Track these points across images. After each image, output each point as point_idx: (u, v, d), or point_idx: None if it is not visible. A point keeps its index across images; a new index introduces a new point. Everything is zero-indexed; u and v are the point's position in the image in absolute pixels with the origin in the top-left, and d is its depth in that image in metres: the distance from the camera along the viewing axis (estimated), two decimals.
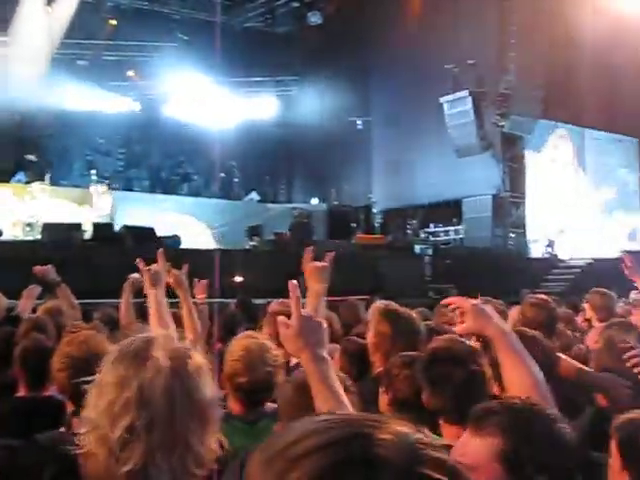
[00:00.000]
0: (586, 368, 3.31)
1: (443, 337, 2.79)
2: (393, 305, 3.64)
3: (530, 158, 19.59)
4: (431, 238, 18.40)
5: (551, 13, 17.66)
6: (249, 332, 3.26)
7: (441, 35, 18.41)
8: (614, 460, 2.04)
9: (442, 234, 19.11)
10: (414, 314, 3.64)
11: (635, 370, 2.34)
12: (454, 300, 2.31)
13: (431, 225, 19.39)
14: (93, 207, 15.79)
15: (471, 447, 1.56)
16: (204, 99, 20.68)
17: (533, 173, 19.58)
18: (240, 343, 2.92)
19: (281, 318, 1.95)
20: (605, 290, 5.48)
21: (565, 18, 17.69)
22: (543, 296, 4.40)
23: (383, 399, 2.76)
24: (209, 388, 1.43)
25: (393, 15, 19.81)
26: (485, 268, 14.24)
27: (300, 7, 21.06)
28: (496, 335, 2.13)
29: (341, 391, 1.90)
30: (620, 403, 2.71)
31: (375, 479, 0.69)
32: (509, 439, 1.52)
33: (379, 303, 3.77)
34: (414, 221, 19.13)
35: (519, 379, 2.03)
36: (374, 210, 20.60)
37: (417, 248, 15.86)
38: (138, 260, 3.33)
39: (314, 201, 21.21)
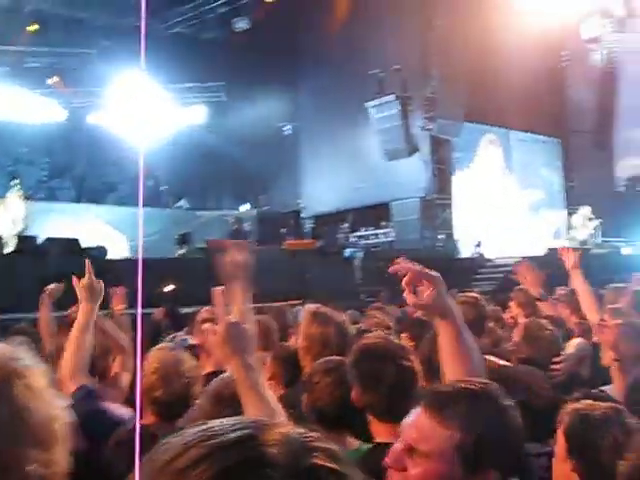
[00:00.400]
0: (507, 364, 3.37)
1: (373, 334, 2.78)
2: (323, 308, 3.61)
3: (461, 161, 19.97)
4: (361, 242, 18.51)
5: (472, 18, 18.00)
6: (164, 344, 3.20)
7: (366, 41, 18.63)
8: (559, 448, 2.04)
9: (372, 237, 19.25)
10: (344, 317, 3.62)
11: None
12: (402, 265, 2.01)
13: (361, 229, 19.51)
14: (8, 217, 15.34)
15: (429, 433, 1.50)
16: (130, 106, 20.30)
17: (464, 176, 19.96)
18: (155, 356, 2.84)
19: (207, 325, 1.89)
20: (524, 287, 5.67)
21: (485, 23, 18.05)
22: (472, 294, 4.45)
23: (304, 405, 2.72)
24: (45, 407, 1.27)
25: (319, 21, 19.91)
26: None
27: (227, 13, 20.91)
28: (449, 315, 1.95)
29: (272, 397, 1.86)
30: (540, 396, 2.74)
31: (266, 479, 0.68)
32: (469, 434, 1.48)
33: (309, 306, 3.75)
34: (344, 225, 19.22)
35: (463, 367, 1.91)
36: (303, 215, 20.64)
37: (347, 252, 15.92)
38: (74, 278, 3.20)
39: (244, 207, 21.10)
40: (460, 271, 16.07)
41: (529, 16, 18.17)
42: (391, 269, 2.01)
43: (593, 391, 2.57)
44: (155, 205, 19.36)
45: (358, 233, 19.27)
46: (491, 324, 4.86)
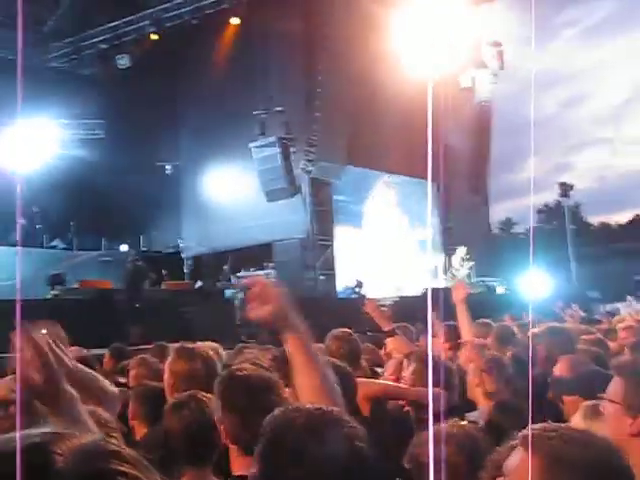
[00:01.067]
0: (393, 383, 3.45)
1: (242, 366, 2.72)
2: (189, 344, 3.50)
3: (352, 203, 20.34)
4: (242, 282, 18.34)
5: (355, 65, 18.50)
6: None
7: (250, 82, 18.75)
8: None
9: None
10: (211, 352, 3.52)
11: None
12: (251, 280, 2.03)
13: (242, 269, 19.38)
14: None
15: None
16: (2, 140, 19.47)
17: (353, 218, 20.31)
18: None
19: None
20: (406, 324, 5.84)
21: (369, 70, 18.58)
22: (346, 329, 4.45)
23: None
24: None
25: (202, 61, 19.91)
26: (297, 310, 14.38)
27: (108, 49, 20.58)
28: (294, 329, 1.95)
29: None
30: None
31: None
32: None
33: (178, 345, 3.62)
34: (225, 266, 19.04)
35: (310, 382, 1.91)
36: (184, 256, 20.33)
37: (228, 293, 15.78)
38: None
39: (123, 247, 20.54)
40: (340, 311, 16.21)
41: (410, 66, 18.77)
42: (244, 282, 2.08)
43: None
44: (29, 245, 18.53)
45: (239, 274, 19.11)
46: (364, 361, 4.88)
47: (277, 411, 1.61)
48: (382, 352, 6.16)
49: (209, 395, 2.77)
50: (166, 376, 3.36)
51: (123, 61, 20.48)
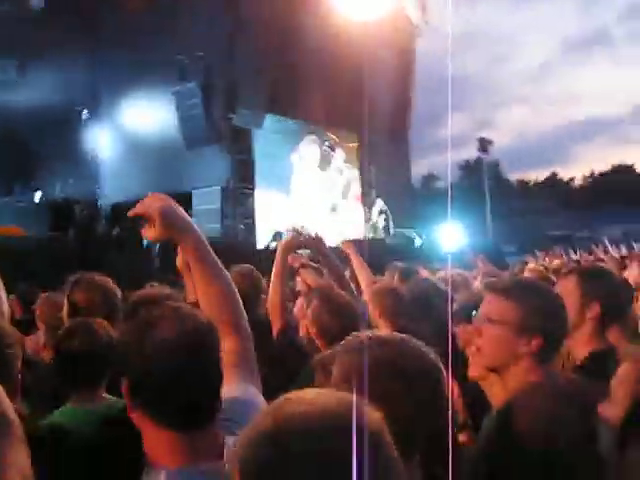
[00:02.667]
0: None
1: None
2: (89, 275, 3.51)
3: (277, 154, 20.18)
4: None
5: (279, 13, 18.25)
6: None
7: (171, 26, 18.27)
8: None
9: None
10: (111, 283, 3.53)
11: None
12: (139, 209, 1.98)
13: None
14: None
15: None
16: None
17: (277, 167, 20.19)
18: None
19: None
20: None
21: (292, 18, 18.37)
22: (249, 266, 4.47)
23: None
24: None
25: (122, 2, 19.27)
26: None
27: None
28: (191, 244, 1.97)
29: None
30: None
31: None
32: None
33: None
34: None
35: (212, 289, 1.96)
36: (101, 203, 19.89)
37: (146, 241, 15.53)
38: None
39: (37, 195, 19.94)
40: (259, 261, 16.24)
41: (334, 14, 18.62)
42: (129, 213, 2.00)
43: None
44: None
45: None
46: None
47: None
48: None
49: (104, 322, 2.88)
50: (65, 307, 3.38)
51: (37, 1, 19.58)
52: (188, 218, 2.03)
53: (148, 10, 18.75)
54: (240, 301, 2.04)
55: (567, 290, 2.67)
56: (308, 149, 21.66)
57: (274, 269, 4.01)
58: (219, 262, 2.02)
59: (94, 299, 3.30)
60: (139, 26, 18.88)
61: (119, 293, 3.48)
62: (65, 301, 3.40)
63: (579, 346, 2.67)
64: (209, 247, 2.01)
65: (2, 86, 20.57)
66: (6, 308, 3.06)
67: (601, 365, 2.21)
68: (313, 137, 21.68)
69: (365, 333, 1.60)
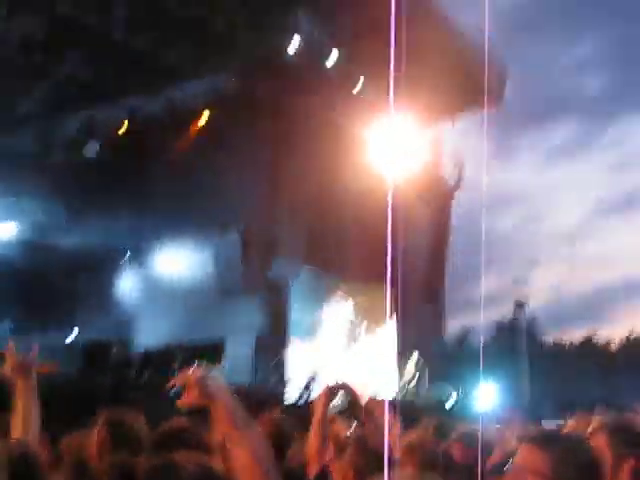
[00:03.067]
0: None
1: None
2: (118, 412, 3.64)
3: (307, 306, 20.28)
4: None
5: (322, 169, 18.96)
6: None
7: (215, 178, 19.01)
8: None
9: None
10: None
11: None
12: (178, 378, 2.25)
13: (193, 365, 18.99)
14: None
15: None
16: None
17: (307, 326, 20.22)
18: None
19: None
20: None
21: (330, 172, 19.05)
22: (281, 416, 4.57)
23: None
24: None
25: (168, 154, 20.19)
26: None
27: (78, 137, 20.71)
28: (223, 409, 2.13)
29: None
30: None
31: None
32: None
33: None
34: (175, 362, 18.68)
35: (240, 453, 2.06)
36: (133, 347, 19.94)
37: (172, 391, 15.41)
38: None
39: (72, 334, 20.13)
40: (288, 412, 15.95)
41: (370, 171, 19.24)
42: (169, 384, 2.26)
43: None
44: None
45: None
46: None
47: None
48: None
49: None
50: (95, 442, 3.45)
51: (93, 149, 20.60)
52: (222, 386, 2.21)
53: (195, 163, 19.57)
54: (268, 460, 2.12)
55: (598, 447, 2.58)
56: (339, 306, 21.77)
57: (315, 415, 4.07)
58: (250, 425, 2.16)
59: (121, 437, 3.37)
60: (185, 178, 19.68)
61: (145, 430, 3.54)
62: (95, 437, 3.45)
63: None
64: (241, 412, 2.16)
65: (49, 230, 21.30)
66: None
67: None
68: (344, 295, 21.78)
69: None
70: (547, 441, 2.08)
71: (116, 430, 3.42)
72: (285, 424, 4.49)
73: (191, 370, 2.23)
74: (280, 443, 4.09)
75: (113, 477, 2.82)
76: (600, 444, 2.62)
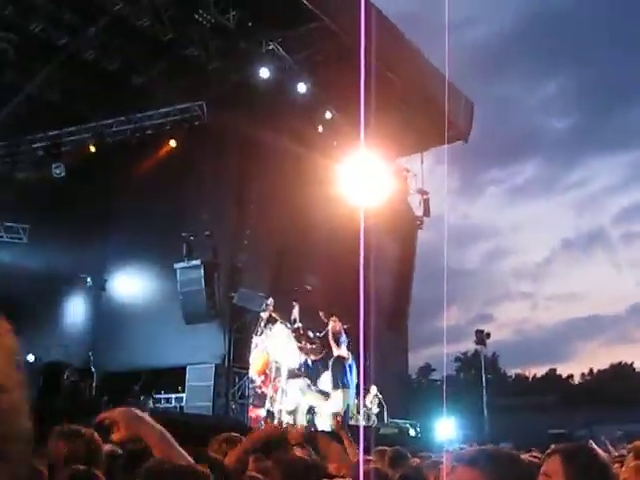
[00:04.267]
0: None
1: None
2: (73, 426, 3.61)
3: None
4: (149, 404, 17.74)
5: (286, 198, 19.00)
6: None
7: (182, 204, 18.98)
8: None
9: (163, 401, 18.59)
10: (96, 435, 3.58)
11: None
12: (103, 415, 2.36)
13: (153, 391, 18.81)
14: None
15: None
16: None
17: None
18: None
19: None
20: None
21: (299, 205, 19.08)
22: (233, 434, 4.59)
23: None
24: None
25: (137, 178, 20.12)
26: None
27: (45, 156, 20.59)
28: (152, 438, 2.28)
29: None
30: None
31: None
32: None
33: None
34: (136, 387, 18.46)
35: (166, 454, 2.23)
36: (92, 369, 19.65)
37: None
38: None
39: (30, 357, 19.77)
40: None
41: (340, 202, 19.31)
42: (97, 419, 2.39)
43: None
44: None
45: (150, 395, 18.51)
46: None
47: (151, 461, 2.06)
48: None
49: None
50: (50, 456, 3.42)
51: (59, 170, 20.44)
52: (149, 420, 2.34)
53: (162, 187, 19.51)
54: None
55: (551, 470, 2.60)
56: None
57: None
58: (176, 447, 2.31)
59: (77, 449, 3.36)
60: (152, 201, 19.62)
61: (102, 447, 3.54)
62: (50, 450, 3.42)
63: None
64: (171, 441, 2.31)
65: (10, 248, 21.02)
66: None
67: None
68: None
69: None
70: (480, 460, 2.08)
71: (71, 442, 3.42)
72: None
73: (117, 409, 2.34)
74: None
75: None
76: (554, 468, 2.65)
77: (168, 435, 2.33)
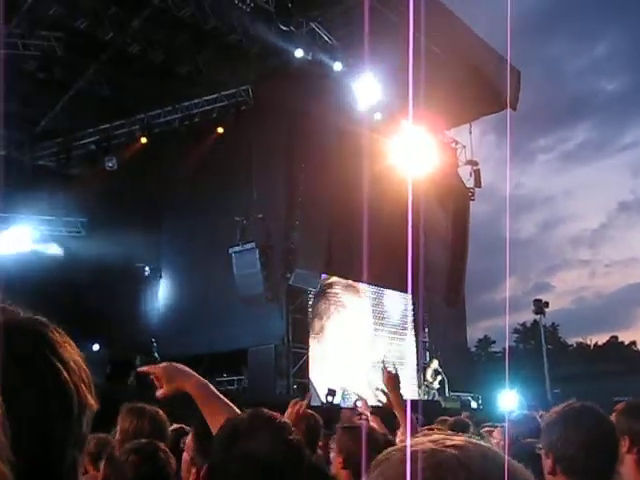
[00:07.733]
0: None
1: None
2: (139, 404, 3.71)
3: (326, 311, 20.26)
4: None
5: (337, 176, 19.02)
6: None
7: (232, 189, 19.15)
8: None
9: (226, 383, 18.91)
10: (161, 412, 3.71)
11: None
12: (144, 369, 2.44)
13: (216, 374, 19.13)
14: None
15: None
16: None
17: (330, 325, 20.21)
18: None
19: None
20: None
21: (350, 181, 19.07)
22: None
23: None
24: None
25: (187, 167, 20.34)
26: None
27: (96, 151, 21.02)
28: (193, 388, 2.34)
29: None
30: None
31: None
32: None
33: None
34: (198, 370, 18.76)
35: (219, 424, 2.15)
36: (156, 355, 20.07)
37: None
38: None
39: (95, 347, 20.28)
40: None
41: (389, 176, 19.24)
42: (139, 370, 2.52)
43: None
44: None
45: (211, 378, 18.84)
46: None
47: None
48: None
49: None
50: (117, 433, 3.60)
51: (111, 163, 20.84)
52: (191, 372, 2.44)
53: (212, 174, 19.72)
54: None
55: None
56: (359, 307, 21.74)
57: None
58: (222, 400, 2.37)
59: (142, 425, 3.50)
60: (203, 188, 19.86)
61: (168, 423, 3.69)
62: (118, 427, 3.58)
63: None
64: (215, 393, 2.39)
65: (69, 241, 21.53)
66: None
67: None
68: (366, 294, 21.78)
69: None
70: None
71: (137, 418, 3.55)
72: (315, 420, 4.77)
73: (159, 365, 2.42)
74: (311, 436, 4.43)
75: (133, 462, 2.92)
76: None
77: (212, 387, 2.39)
